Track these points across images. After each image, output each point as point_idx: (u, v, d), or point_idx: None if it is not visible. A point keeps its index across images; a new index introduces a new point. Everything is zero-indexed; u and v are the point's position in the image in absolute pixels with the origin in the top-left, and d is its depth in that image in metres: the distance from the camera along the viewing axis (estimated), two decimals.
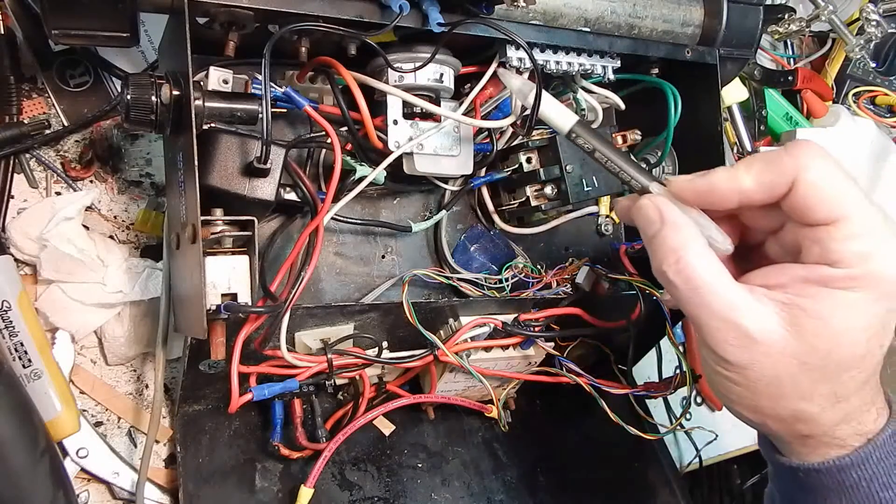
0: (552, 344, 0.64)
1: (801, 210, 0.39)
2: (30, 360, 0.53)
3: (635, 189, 0.44)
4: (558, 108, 0.43)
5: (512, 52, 0.58)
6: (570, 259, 0.73)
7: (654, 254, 0.41)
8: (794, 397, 0.39)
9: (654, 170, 0.71)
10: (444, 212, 0.66)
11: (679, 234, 0.40)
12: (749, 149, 0.89)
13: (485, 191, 0.68)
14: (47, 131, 0.59)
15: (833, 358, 0.38)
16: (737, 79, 0.85)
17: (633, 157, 0.43)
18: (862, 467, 0.40)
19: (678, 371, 0.67)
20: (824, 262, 0.39)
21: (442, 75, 0.58)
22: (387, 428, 0.67)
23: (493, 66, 0.59)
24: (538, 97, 0.46)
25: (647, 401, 0.70)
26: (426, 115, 0.59)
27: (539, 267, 0.70)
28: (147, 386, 0.62)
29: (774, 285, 0.40)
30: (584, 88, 0.66)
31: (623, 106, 0.68)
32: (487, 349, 0.62)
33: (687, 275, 0.39)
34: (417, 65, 0.55)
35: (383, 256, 0.67)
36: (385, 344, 0.58)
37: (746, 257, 0.45)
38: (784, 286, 0.39)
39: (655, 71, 0.67)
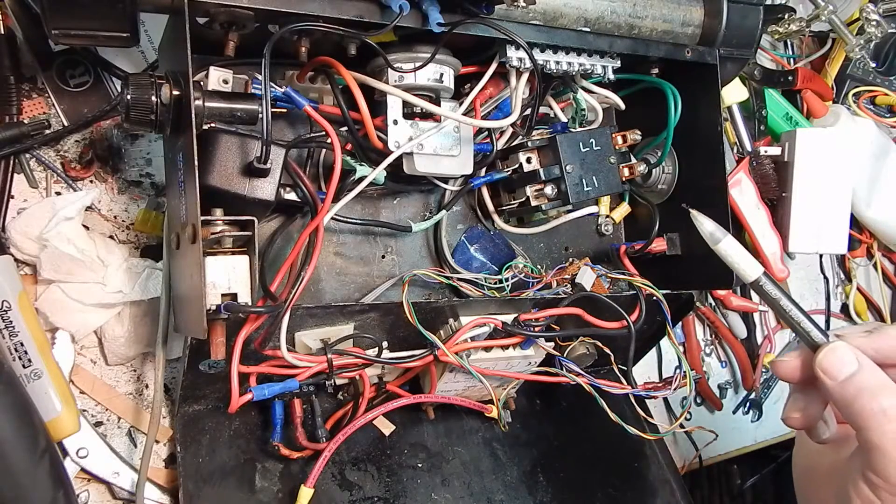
0: (552, 344, 0.64)
1: None
2: (30, 360, 0.53)
3: (809, 344, 0.46)
4: (746, 257, 0.47)
5: (512, 52, 0.58)
6: (570, 259, 0.73)
7: (857, 393, 0.43)
8: None
9: (653, 170, 0.71)
10: (444, 212, 0.66)
11: (878, 376, 0.43)
12: (749, 149, 0.89)
13: (485, 191, 0.68)
14: (47, 131, 0.58)
15: None
16: (737, 79, 0.85)
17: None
18: None
19: (678, 371, 0.67)
20: None
21: (442, 75, 0.58)
22: (387, 428, 0.67)
23: (493, 65, 0.59)
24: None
25: (647, 401, 0.70)
26: (426, 115, 0.59)
27: (539, 267, 0.70)
28: (147, 386, 0.62)
29: None
30: (584, 88, 0.66)
31: (623, 106, 0.68)
32: (487, 349, 0.62)
33: (886, 408, 0.42)
34: (417, 65, 0.55)
35: (383, 256, 0.67)
36: (385, 344, 0.58)
37: None
38: None
39: (655, 71, 0.67)
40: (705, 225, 0.48)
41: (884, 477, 0.42)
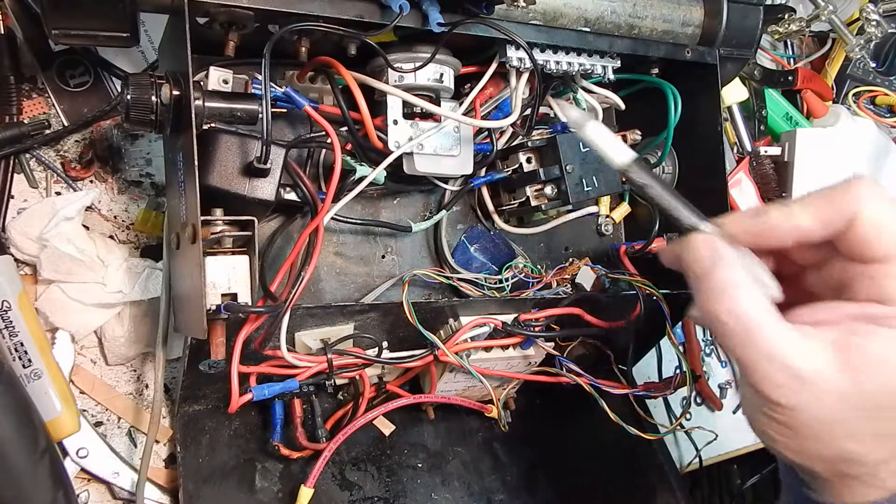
0: (552, 344, 0.64)
1: (857, 247, 0.39)
2: (30, 360, 0.53)
3: (686, 230, 0.43)
4: (614, 142, 0.43)
5: (512, 52, 0.58)
6: (570, 259, 0.73)
7: (703, 292, 0.40)
8: (843, 438, 0.38)
9: (653, 170, 0.71)
10: (444, 212, 0.66)
11: (731, 273, 0.39)
12: (749, 149, 0.89)
13: (485, 191, 0.68)
14: (47, 131, 0.58)
15: (886, 397, 0.38)
16: (737, 79, 0.85)
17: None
18: None
19: (678, 371, 0.67)
20: (876, 300, 0.38)
21: (442, 75, 0.58)
22: (387, 428, 0.67)
23: (493, 65, 0.59)
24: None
25: (647, 401, 0.70)
26: (426, 115, 0.59)
27: (539, 267, 0.70)
28: (147, 386, 0.62)
29: (824, 322, 0.39)
30: (584, 88, 0.66)
31: (623, 106, 0.68)
32: (487, 349, 0.62)
33: (739, 314, 0.38)
34: (417, 65, 0.55)
35: (383, 256, 0.67)
36: (385, 344, 0.58)
37: (784, 290, 0.44)
38: (834, 324, 0.39)
39: (655, 71, 0.67)
40: (571, 113, 0.46)
41: (748, 382, 0.38)
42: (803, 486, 0.43)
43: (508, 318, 0.61)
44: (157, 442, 0.60)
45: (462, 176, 0.65)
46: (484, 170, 0.66)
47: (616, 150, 0.43)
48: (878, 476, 0.39)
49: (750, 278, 0.39)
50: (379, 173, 0.57)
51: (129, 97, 0.47)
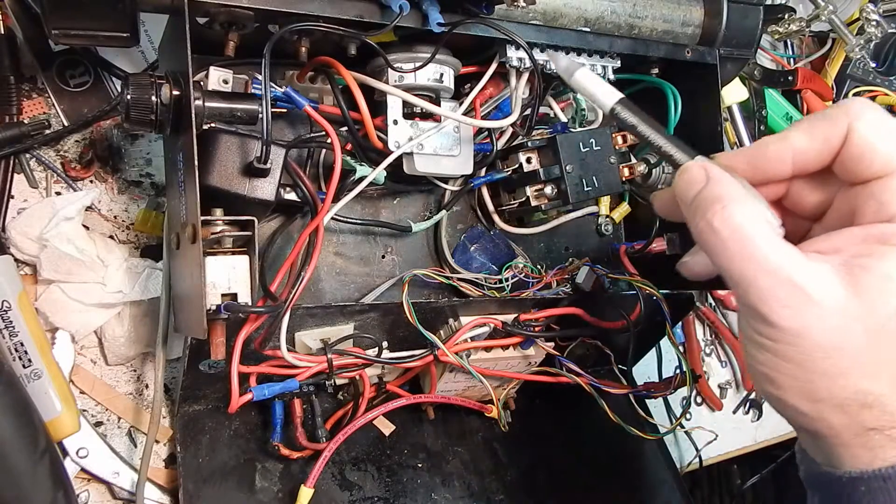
0: (552, 344, 0.64)
1: (854, 165, 0.36)
2: (30, 360, 0.53)
3: (678, 166, 0.42)
4: (602, 86, 0.43)
5: (512, 52, 0.58)
6: (570, 259, 0.73)
7: (695, 210, 0.37)
8: (857, 373, 0.34)
9: (653, 170, 0.71)
10: (444, 212, 0.66)
11: (726, 185, 0.36)
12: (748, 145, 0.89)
13: (485, 191, 0.68)
14: (47, 131, 0.58)
15: None
16: (737, 79, 0.85)
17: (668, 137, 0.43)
18: None
19: (678, 371, 0.67)
20: (882, 220, 0.36)
21: (442, 75, 0.58)
22: (387, 428, 0.67)
23: (493, 65, 0.59)
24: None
25: (647, 401, 0.70)
26: (426, 115, 0.59)
27: (539, 267, 0.70)
28: (147, 386, 0.62)
29: (829, 249, 0.36)
30: None
31: None
32: (487, 349, 0.62)
33: (734, 223, 0.35)
34: (417, 65, 0.55)
35: (383, 256, 0.67)
36: (385, 344, 0.58)
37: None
38: (840, 249, 0.36)
39: (655, 71, 0.67)
40: (560, 61, 0.46)
41: (747, 305, 0.35)
42: (824, 465, 0.38)
43: (508, 318, 0.61)
44: (157, 442, 0.60)
45: (462, 176, 0.65)
46: (484, 170, 0.66)
47: (604, 92, 0.43)
48: None
49: (749, 193, 0.37)
50: (379, 173, 0.57)
51: (129, 97, 0.47)
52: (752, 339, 0.36)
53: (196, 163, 0.45)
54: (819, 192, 0.40)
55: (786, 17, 0.91)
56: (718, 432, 0.80)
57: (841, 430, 0.35)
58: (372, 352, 0.58)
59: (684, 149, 0.41)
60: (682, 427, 0.70)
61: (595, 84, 0.43)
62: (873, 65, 0.99)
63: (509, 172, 0.66)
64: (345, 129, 0.57)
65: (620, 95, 0.43)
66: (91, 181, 0.60)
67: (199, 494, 0.57)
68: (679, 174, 0.39)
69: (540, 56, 0.59)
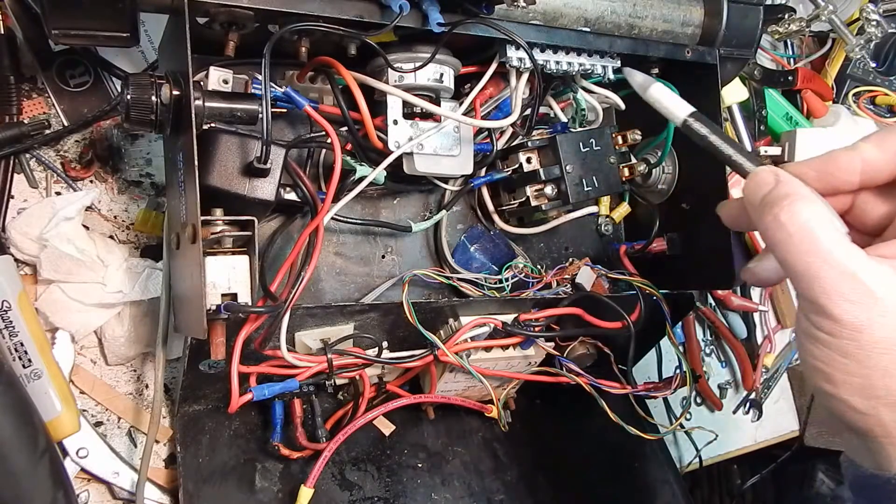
0: (552, 344, 0.64)
1: None
2: (30, 360, 0.53)
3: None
4: (675, 100, 0.46)
5: (512, 52, 0.58)
6: (570, 259, 0.73)
7: (763, 208, 0.37)
8: None
9: (653, 170, 0.71)
10: (444, 212, 0.66)
11: (793, 185, 0.37)
12: (749, 149, 0.89)
13: (485, 191, 0.68)
14: (47, 131, 0.58)
15: None
16: (737, 79, 0.85)
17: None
18: None
19: (678, 371, 0.67)
20: None
21: (442, 75, 0.58)
22: (387, 428, 0.67)
23: (493, 65, 0.59)
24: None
25: (647, 401, 0.70)
26: (426, 115, 0.59)
27: (539, 267, 0.70)
28: (147, 386, 0.62)
29: (892, 255, 0.36)
30: (584, 88, 0.66)
31: (623, 106, 0.68)
32: (487, 349, 0.62)
33: (801, 219, 0.35)
34: (417, 65, 0.55)
35: (383, 256, 0.67)
36: (385, 344, 0.58)
37: None
38: None
39: (655, 71, 0.67)
40: (636, 76, 0.48)
41: (808, 299, 0.35)
42: (861, 468, 0.38)
43: (508, 318, 0.61)
44: (157, 442, 0.60)
45: (462, 176, 0.65)
46: (484, 170, 0.66)
47: (677, 105, 0.46)
48: None
49: (817, 196, 0.37)
50: (379, 173, 0.57)
51: (129, 97, 0.47)
52: (810, 334, 0.36)
53: (196, 163, 0.45)
54: (885, 204, 0.40)
55: (786, 17, 0.91)
56: (718, 432, 0.80)
57: (893, 428, 0.35)
58: (372, 352, 0.58)
59: (754, 160, 0.43)
60: (682, 427, 0.70)
61: (668, 98, 0.46)
62: (873, 65, 0.99)
63: (509, 172, 0.66)
64: (345, 129, 0.57)
65: (692, 109, 0.45)
66: (91, 181, 0.60)
67: (199, 494, 0.57)
68: (749, 178, 0.40)
69: (540, 56, 0.59)
